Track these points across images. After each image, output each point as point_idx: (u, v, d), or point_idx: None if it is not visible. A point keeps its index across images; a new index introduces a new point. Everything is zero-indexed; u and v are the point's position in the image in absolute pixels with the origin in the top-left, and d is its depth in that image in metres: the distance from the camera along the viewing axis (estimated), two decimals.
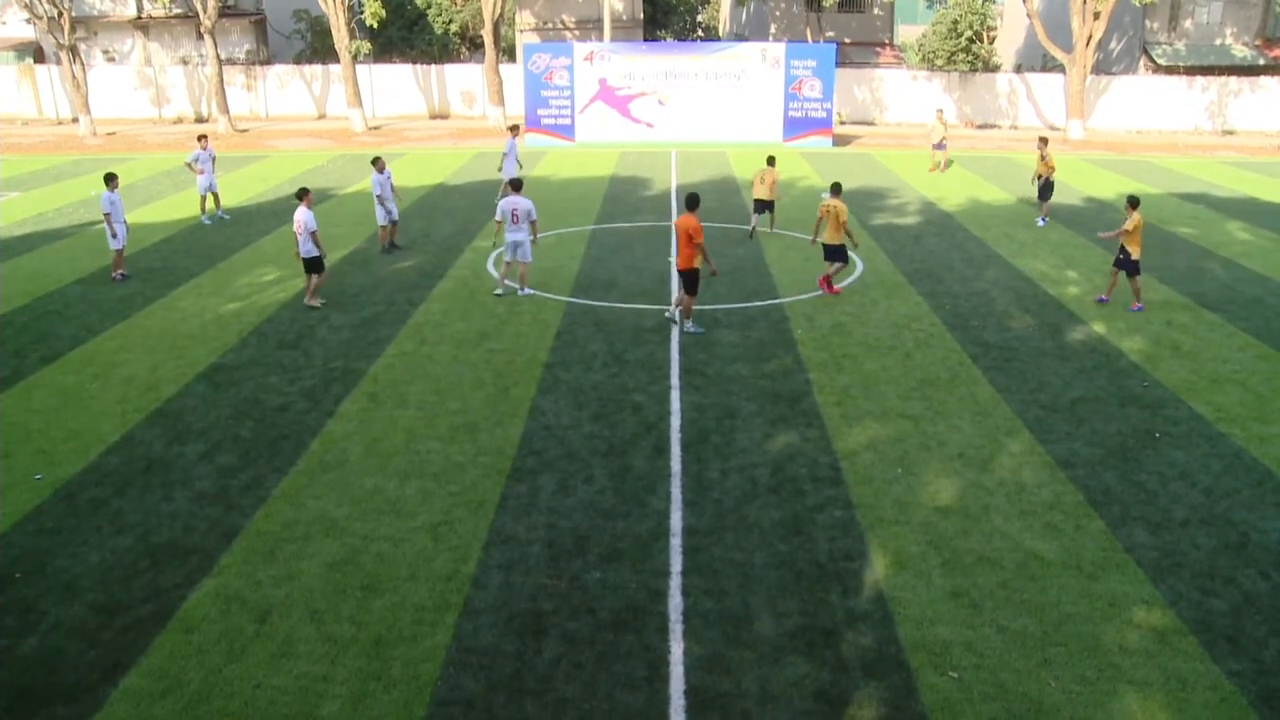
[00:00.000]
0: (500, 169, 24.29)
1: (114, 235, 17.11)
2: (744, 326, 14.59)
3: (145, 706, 6.63)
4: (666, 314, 14.97)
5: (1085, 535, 8.84)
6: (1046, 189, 22.47)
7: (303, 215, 15.24)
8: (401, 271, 18.06)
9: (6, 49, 47.99)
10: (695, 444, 10.66)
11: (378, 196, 19.05)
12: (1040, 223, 22.49)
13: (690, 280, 14.10)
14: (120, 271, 17.45)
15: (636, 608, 7.73)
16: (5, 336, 14.37)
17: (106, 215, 16.96)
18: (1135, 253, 15.32)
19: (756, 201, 21.50)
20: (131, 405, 11.79)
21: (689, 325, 14.40)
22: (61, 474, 10.00)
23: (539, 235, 16.98)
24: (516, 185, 16.06)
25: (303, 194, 15.60)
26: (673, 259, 18.80)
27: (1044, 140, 23.00)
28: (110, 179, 17.24)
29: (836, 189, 16.34)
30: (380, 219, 19.27)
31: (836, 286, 16.50)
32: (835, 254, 16.19)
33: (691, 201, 13.99)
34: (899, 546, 8.63)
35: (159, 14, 46.91)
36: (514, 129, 25.02)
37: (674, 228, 13.87)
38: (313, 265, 15.60)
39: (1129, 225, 15.14)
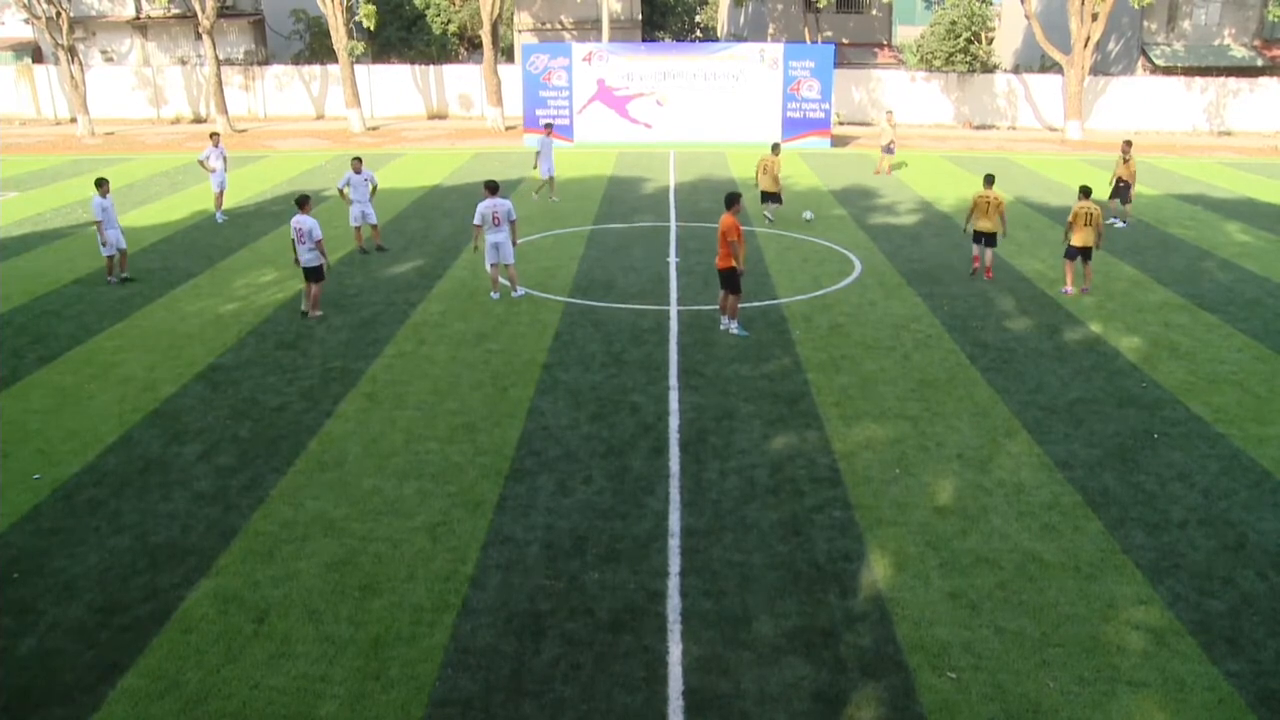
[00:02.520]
0: (535, 167, 24.95)
1: (104, 243, 16.71)
2: (742, 326, 14.57)
3: (143, 707, 6.62)
4: (722, 327, 14.53)
5: (1083, 536, 8.84)
6: (1123, 191, 22.15)
7: (308, 222, 14.59)
8: (400, 272, 18.07)
9: (5, 49, 47.95)
10: (693, 444, 10.66)
11: (340, 191, 19.18)
12: (1120, 224, 22.17)
13: (725, 279, 14.05)
14: (122, 274, 17.18)
15: (635, 608, 7.73)
16: (3, 337, 14.35)
17: (98, 223, 16.61)
18: (1073, 239, 16.37)
19: (763, 193, 21.69)
20: (129, 405, 11.78)
21: (733, 326, 14.29)
22: (59, 474, 9.99)
23: (519, 238, 16.89)
24: (493, 187, 15.77)
25: (304, 201, 14.97)
26: (671, 260, 18.83)
27: (1128, 144, 22.40)
28: (101, 184, 16.92)
29: (990, 180, 17.30)
30: (353, 219, 19.28)
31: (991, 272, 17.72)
32: (992, 240, 17.32)
33: (729, 200, 13.83)
34: (897, 547, 8.64)
35: (157, 14, 46.91)
36: (548, 128, 25.65)
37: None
38: (315, 274, 14.96)
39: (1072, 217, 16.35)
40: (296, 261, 14.98)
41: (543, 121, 26.27)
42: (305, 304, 15.19)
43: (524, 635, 7.39)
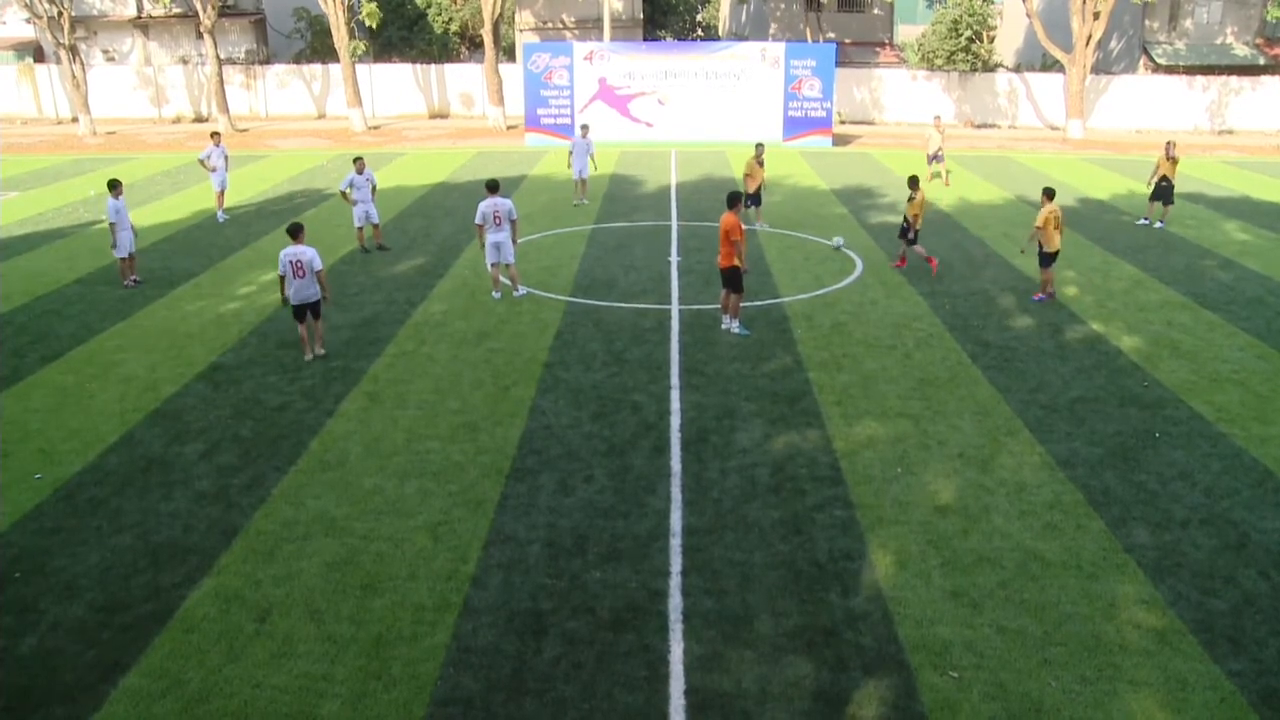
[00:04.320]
0: (570, 165, 24.75)
1: (115, 245, 16.55)
2: (744, 326, 14.56)
3: (144, 706, 6.62)
4: (724, 326, 14.47)
5: (1085, 535, 8.84)
6: (1165, 191, 21.96)
7: (308, 253, 12.86)
8: (401, 271, 18.07)
9: (6, 48, 47.97)
10: (695, 443, 10.66)
11: (342, 193, 19.18)
12: (1143, 221, 22.20)
13: (727, 278, 14.03)
14: (133, 278, 17.02)
15: (636, 607, 7.73)
16: (5, 336, 14.36)
17: (112, 224, 16.43)
18: (1048, 246, 15.79)
19: (746, 196, 21.35)
20: (131, 405, 11.79)
21: (734, 325, 14.25)
22: (61, 473, 9.99)
23: (520, 237, 16.79)
24: (494, 187, 15.75)
25: (297, 230, 13.07)
26: (673, 259, 18.83)
27: (1172, 144, 22.09)
28: (114, 185, 16.66)
29: (915, 182, 17.46)
30: (357, 220, 19.30)
31: (899, 262, 18.10)
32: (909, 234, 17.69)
33: (730, 199, 13.86)
34: (899, 546, 8.63)
35: (159, 14, 46.89)
36: (584, 129, 25.31)
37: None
38: (315, 309, 13.28)
39: (1040, 220, 15.69)
40: (285, 301, 12.97)
41: (579, 123, 26.05)
42: (306, 348, 13.33)
43: (525, 634, 7.39)
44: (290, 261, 12.78)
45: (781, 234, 21.11)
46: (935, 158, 27.79)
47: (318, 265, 12.94)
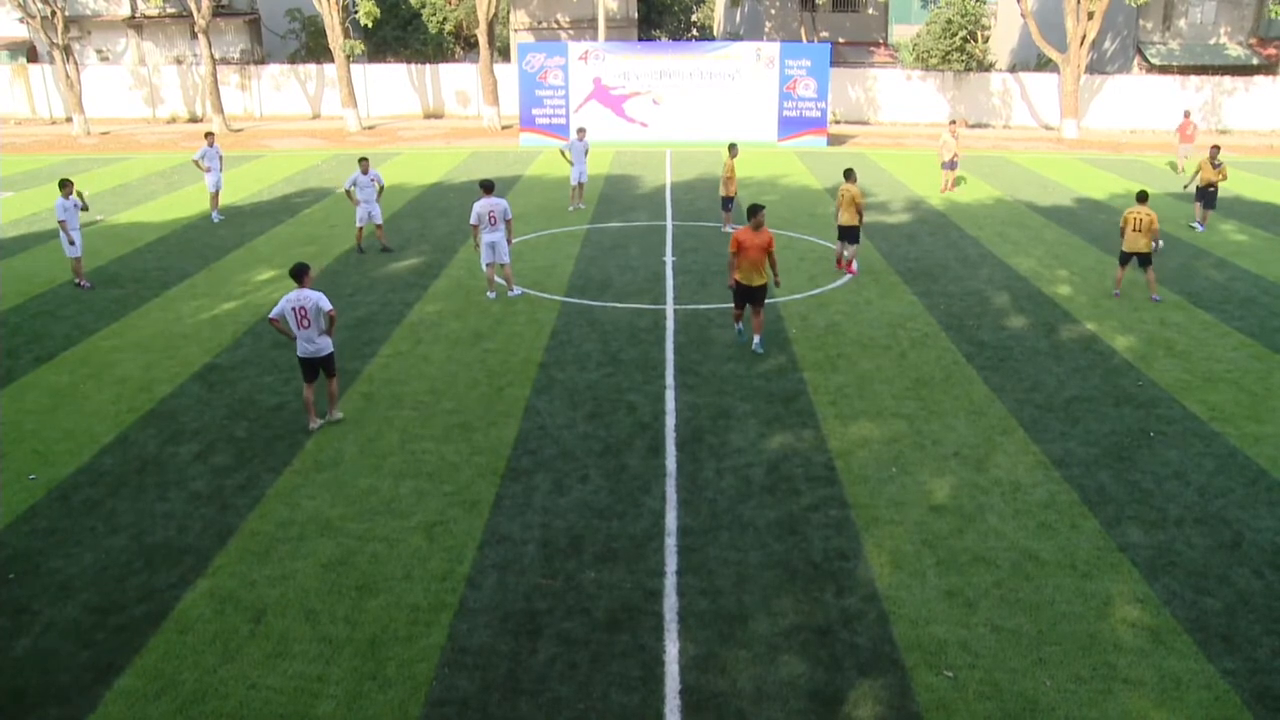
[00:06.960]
0: (568, 160, 23.94)
1: (71, 243, 16.55)
2: (741, 333, 14.56)
3: (139, 707, 6.61)
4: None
5: (1080, 534, 8.86)
6: (1209, 196, 21.97)
7: (312, 297, 10.65)
8: (396, 271, 18.05)
9: (0, 48, 47.85)
10: (690, 443, 10.66)
11: (346, 191, 19.18)
12: (1198, 227, 22.08)
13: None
14: (82, 280, 16.92)
15: (631, 607, 7.73)
16: None
17: (62, 223, 16.42)
18: (1123, 245, 16.05)
19: (723, 199, 21.11)
20: (126, 405, 11.77)
21: (754, 339, 13.62)
22: (55, 474, 9.97)
23: (514, 237, 16.66)
24: (489, 187, 15.75)
25: (303, 272, 10.83)
26: (668, 259, 18.84)
27: (1216, 148, 22.06)
28: (65, 185, 16.67)
29: (850, 174, 17.42)
30: (359, 219, 19.28)
31: (854, 268, 17.70)
32: (850, 235, 17.33)
33: (748, 213, 13.19)
34: (894, 546, 8.64)
35: (153, 13, 46.78)
36: (581, 131, 24.13)
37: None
38: (329, 365, 11.03)
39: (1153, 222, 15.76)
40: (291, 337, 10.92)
41: (575, 126, 25.45)
42: (311, 415, 11.13)
43: (520, 635, 7.39)
44: (294, 309, 10.61)
45: (774, 233, 21.09)
46: (950, 164, 26.32)
47: (326, 305, 10.66)
